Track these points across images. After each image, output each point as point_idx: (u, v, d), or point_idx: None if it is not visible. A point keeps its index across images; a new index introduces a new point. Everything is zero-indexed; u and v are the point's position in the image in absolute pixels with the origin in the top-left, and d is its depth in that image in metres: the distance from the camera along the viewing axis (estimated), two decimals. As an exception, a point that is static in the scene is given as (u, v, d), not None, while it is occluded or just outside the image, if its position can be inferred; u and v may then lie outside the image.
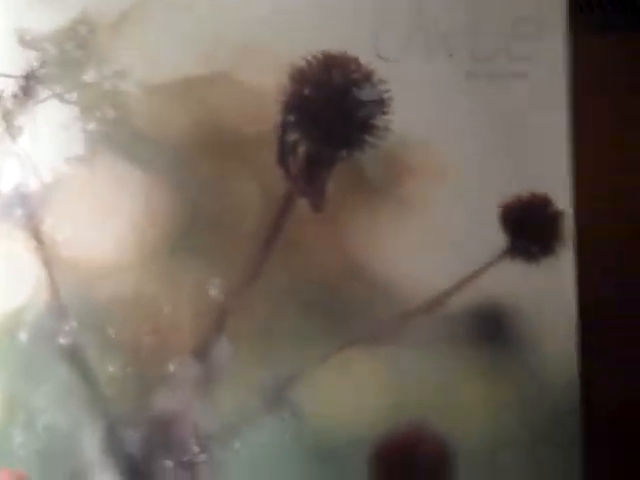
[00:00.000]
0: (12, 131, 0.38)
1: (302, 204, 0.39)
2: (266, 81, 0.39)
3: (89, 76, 0.38)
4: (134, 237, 0.38)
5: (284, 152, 0.39)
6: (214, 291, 0.38)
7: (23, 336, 0.36)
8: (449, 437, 0.37)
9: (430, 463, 0.38)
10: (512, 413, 0.38)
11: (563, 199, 0.39)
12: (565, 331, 0.38)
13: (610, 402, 0.39)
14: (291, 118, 0.39)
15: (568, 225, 0.39)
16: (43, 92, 0.38)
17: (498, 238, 0.39)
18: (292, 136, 0.39)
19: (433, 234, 0.39)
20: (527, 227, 0.40)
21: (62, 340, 0.36)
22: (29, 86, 0.38)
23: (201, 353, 0.37)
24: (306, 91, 0.39)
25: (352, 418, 0.37)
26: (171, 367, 0.37)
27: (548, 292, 0.39)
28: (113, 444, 0.36)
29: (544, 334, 0.38)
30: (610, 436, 0.39)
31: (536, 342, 0.38)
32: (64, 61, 0.38)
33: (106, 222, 0.38)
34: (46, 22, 0.38)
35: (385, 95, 0.39)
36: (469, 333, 0.38)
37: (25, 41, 0.38)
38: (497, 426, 0.38)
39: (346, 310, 0.38)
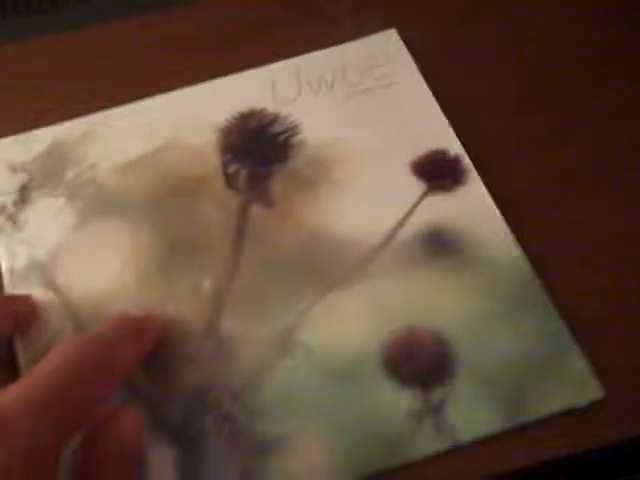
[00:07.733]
0: (18, 225, 0.47)
1: (256, 208, 0.48)
2: (202, 139, 0.51)
3: (69, 175, 0.50)
4: (130, 267, 0.46)
5: (230, 180, 0.49)
6: (206, 285, 0.45)
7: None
8: (440, 329, 0.43)
9: (430, 352, 0.42)
10: (482, 295, 0.44)
11: (454, 147, 0.50)
12: (493, 227, 0.46)
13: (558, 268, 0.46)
14: (228, 157, 0.50)
15: (467, 162, 0.49)
16: (36, 194, 0.49)
17: (417, 186, 0.49)
18: (233, 168, 0.50)
19: (366, 199, 0.48)
20: (436, 169, 0.49)
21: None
22: (24, 194, 0.48)
23: (211, 332, 0.43)
24: (234, 138, 0.51)
25: (353, 340, 0.43)
26: (190, 349, 0.43)
27: (471, 206, 0.47)
28: (157, 420, 0.40)
29: (481, 236, 0.46)
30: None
31: (478, 242, 0.46)
32: (48, 172, 0.50)
33: (105, 264, 0.46)
34: (26, 153, 0.51)
35: (292, 124, 0.51)
36: (424, 252, 0.46)
37: (14, 167, 0.50)
38: (474, 309, 0.43)
39: (316, 268, 0.45)
